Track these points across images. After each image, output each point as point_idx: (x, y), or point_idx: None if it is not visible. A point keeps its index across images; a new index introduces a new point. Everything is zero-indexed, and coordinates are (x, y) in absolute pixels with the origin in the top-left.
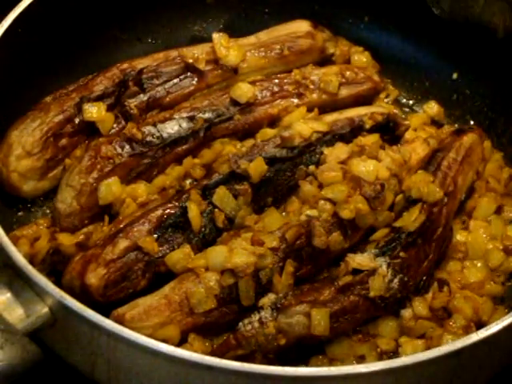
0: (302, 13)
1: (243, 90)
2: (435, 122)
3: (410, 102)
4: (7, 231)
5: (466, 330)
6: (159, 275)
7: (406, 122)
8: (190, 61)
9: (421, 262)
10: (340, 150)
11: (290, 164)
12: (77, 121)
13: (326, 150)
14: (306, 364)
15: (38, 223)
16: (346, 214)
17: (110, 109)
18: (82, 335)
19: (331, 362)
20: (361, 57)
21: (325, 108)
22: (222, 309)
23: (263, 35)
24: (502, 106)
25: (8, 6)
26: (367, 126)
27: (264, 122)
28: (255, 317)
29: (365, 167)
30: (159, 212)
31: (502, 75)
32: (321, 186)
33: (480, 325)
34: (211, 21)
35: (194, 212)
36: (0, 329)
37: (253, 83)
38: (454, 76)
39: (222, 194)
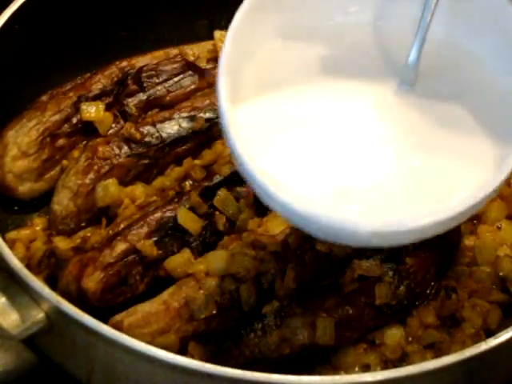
0: None
1: None
2: None
3: None
4: (2, 233)
5: (475, 339)
6: (158, 279)
7: None
8: (191, 59)
9: (428, 268)
10: None
11: None
12: (74, 120)
13: None
14: (310, 372)
15: (34, 223)
16: None
17: (108, 108)
18: (79, 341)
19: (336, 370)
20: None
21: None
22: (223, 315)
23: None
24: None
25: (4, 2)
26: None
27: None
28: (258, 325)
29: None
30: (158, 214)
31: None
32: None
33: (488, 333)
34: (213, 18)
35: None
36: None
37: None
38: None
39: (223, 196)
